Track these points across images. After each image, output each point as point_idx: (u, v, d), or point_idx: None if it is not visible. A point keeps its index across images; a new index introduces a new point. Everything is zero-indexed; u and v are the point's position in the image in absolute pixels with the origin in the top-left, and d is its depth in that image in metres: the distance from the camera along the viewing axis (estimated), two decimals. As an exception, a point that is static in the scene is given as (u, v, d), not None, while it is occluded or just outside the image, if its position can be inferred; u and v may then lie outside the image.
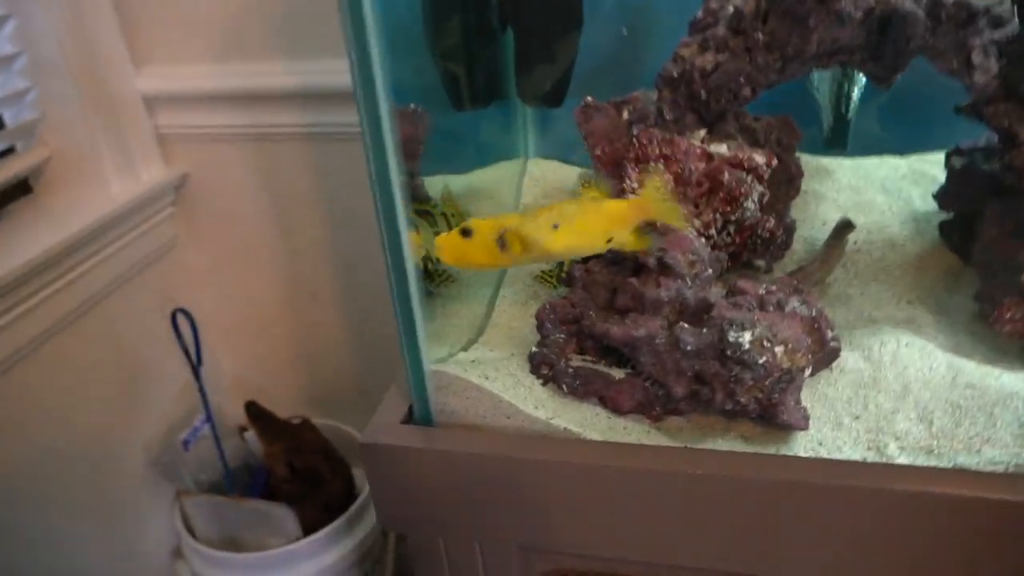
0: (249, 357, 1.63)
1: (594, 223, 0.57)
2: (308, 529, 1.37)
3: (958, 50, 0.61)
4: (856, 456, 0.57)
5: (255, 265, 1.51)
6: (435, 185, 0.81)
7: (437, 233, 0.80)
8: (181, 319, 1.27)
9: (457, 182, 0.83)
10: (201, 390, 1.32)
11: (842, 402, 0.60)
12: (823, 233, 0.78)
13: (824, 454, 0.58)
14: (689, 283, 0.58)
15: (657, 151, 0.65)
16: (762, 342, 0.54)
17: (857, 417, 0.59)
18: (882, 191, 0.79)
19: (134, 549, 1.39)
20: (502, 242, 0.56)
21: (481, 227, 0.56)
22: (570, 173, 0.91)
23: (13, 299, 1.09)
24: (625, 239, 0.58)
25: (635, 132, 0.66)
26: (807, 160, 0.83)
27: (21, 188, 1.29)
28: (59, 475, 1.22)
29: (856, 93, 0.75)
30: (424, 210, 0.78)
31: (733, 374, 0.54)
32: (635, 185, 0.64)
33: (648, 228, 0.59)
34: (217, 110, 1.35)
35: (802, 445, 0.58)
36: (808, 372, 0.56)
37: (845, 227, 0.74)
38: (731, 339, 0.54)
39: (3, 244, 1.14)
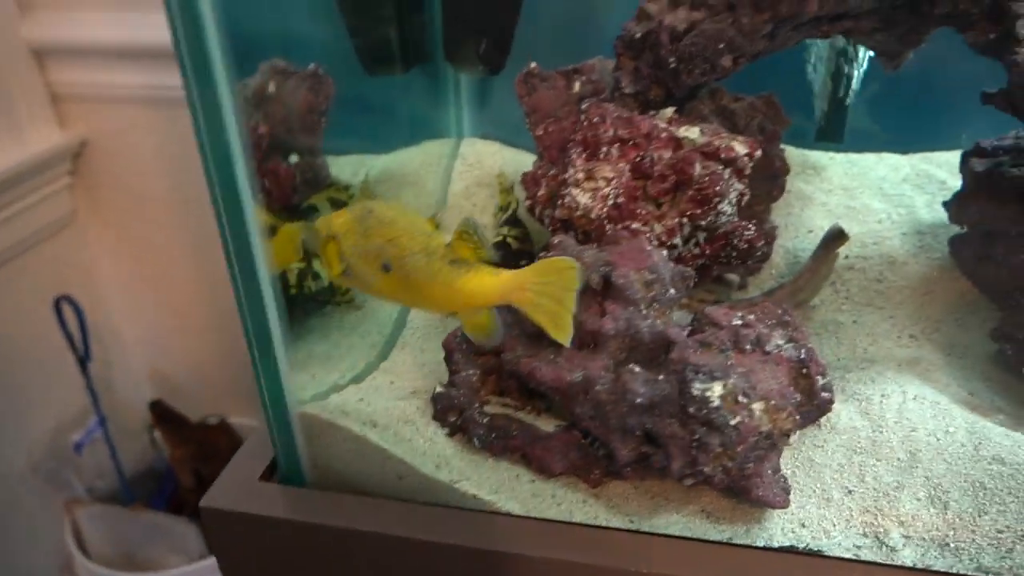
0: (163, 348, 1.46)
1: (439, 293, 0.41)
2: (214, 546, 1.22)
3: (998, 18, 0.47)
4: (847, 544, 0.44)
5: (168, 244, 1.34)
6: (342, 167, 0.65)
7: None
8: (66, 308, 1.10)
9: (371, 163, 0.68)
10: (89, 387, 1.16)
11: (832, 470, 0.47)
12: (810, 243, 0.65)
13: (807, 539, 0.44)
14: (644, 310, 0.44)
15: (611, 133, 0.50)
16: (736, 397, 0.40)
17: (850, 492, 0.46)
18: (880, 195, 0.66)
19: (16, 567, 1.22)
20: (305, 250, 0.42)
21: (322, 223, 0.43)
22: (511, 157, 0.76)
23: None
24: (471, 319, 0.42)
25: (583, 107, 0.52)
26: (792, 153, 0.69)
27: None
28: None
29: (857, 74, 0.62)
30: (340, 199, 0.63)
31: (696, 437, 0.40)
32: (580, 176, 0.49)
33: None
34: (122, 67, 1.17)
35: (779, 526, 0.45)
36: (794, 436, 0.43)
37: (836, 238, 0.60)
38: (695, 392, 0.40)
39: None
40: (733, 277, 0.63)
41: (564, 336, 0.38)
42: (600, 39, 0.70)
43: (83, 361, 1.13)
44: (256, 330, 0.41)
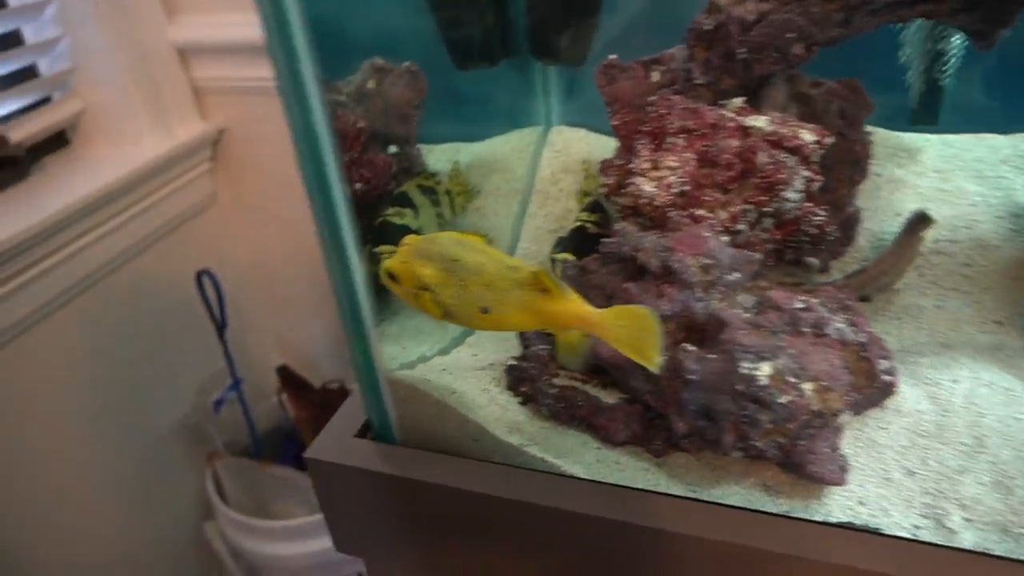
0: (290, 317, 1.58)
1: (534, 320, 0.44)
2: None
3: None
4: (906, 524, 0.45)
5: (296, 222, 1.45)
6: (437, 155, 0.71)
7: (440, 215, 0.70)
8: (206, 281, 1.22)
9: (464, 152, 0.73)
10: (226, 352, 1.28)
11: (894, 451, 0.48)
12: (897, 227, 0.64)
13: (865, 517, 0.46)
14: (699, 293, 0.46)
15: (676, 123, 0.53)
16: (785, 377, 0.42)
17: (912, 473, 0.46)
18: (975, 177, 0.64)
19: (165, 509, 1.39)
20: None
21: (404, 276, 0.46)
22: (597, 143, 0.79)
23: (42, 251, 1.07)
24: (565, 339, 0.45)
25: (651, 99, 0.54)
26: (884, 136, 0.68)
27: (57, 140, 1.26)
28: (86, 435, 1.21)
29: (955, 54, 0.60)
30: (427, 186, 0.69)
31: (746, 414, 0.43)
32: (645, 166, 0.52)
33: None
34: (254, 62, 1.28)
35: (838, 503, 0.46)
36: (843, 416, 0.44)
37: (921, 221, 0.60)
38: (743, 371, 0.42)
39: (37, 196, 1.12)
40: (813, 261, 0.63)
41: (652, 365, 0.41)
42: (678, 30, 0.72)
43: (220, 328, 1.26)
44: (348, 306, 0.47)
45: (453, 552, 0.51)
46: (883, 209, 0.66)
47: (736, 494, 0.48)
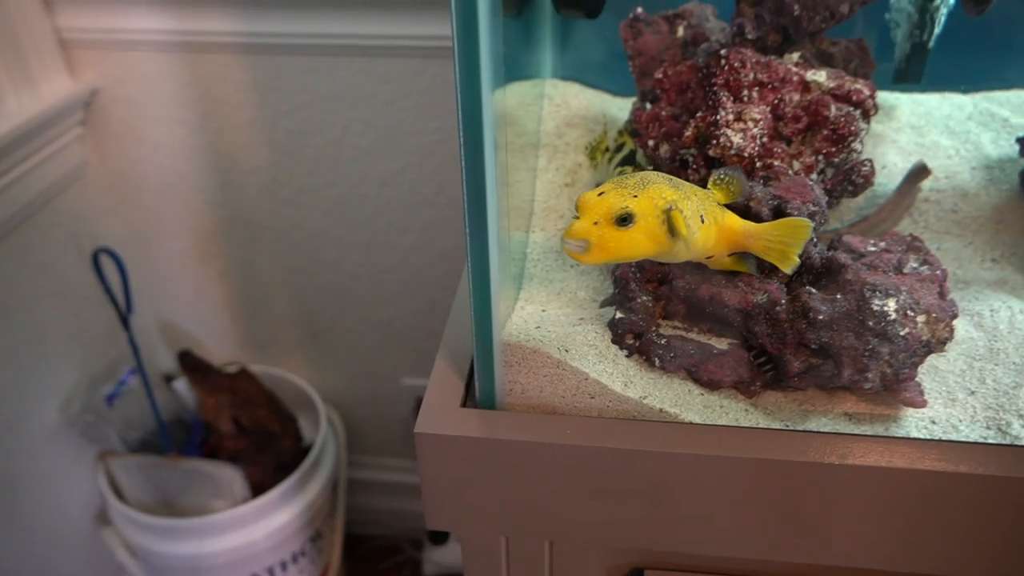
0: (175, 298, 1.45)
1: (716, 239, 0.48)
2: (256, 489, 1.25)
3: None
4: (975, 436, 0.51)
5: (182, 196, 1.32)
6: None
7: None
8: (106, 260, 1.08)
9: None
10: (131, 340, 1.15)
11: (955, 375, 0.53)
12: (883, 178, 0.70)
13: (939, 433, 0.51)
14: (813, 239, 0.49)
15: (752, 76, 0.54)
16: (906, 311, 0.46)
17: (973, 392, 0.52)
18: (947, 133, 0.72)
19: (51, 521, 1.23)
20: (670, 226, 0.44)
21: (644, 210, 0.43)
22: (593, 97, 0.79)
23: None
24: (723, 260, 0.50)
25: (722, 52, 0.55)
26: (866, 94, 0.74)
27: None
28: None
29: (941, 18, 0.67)
30: None
31: (869, 348, 0.46)
32: (730, 117, 0.53)
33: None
34: (132, 11, 1.13)
35: (914, 424, 0.52)
36: (949, 344, 0.49)
37: (920, 172, 0.66)
38: (875, 308, 0.45)
39: None
40: (823, 210, 0.68)
41: (788, 267, 0.47)
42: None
43: (125, 315, 1.12)
44: (478, 275, 0.44)
45: (569, 513, 0.51)
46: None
47: (826, 424, 0.52)
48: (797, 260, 0.46)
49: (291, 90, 1.18)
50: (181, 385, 1.39)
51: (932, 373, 0.54)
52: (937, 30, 0.68)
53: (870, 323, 0.46)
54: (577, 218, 0.44)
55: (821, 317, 0.46)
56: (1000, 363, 0.53)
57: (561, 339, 0.51)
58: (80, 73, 1.19)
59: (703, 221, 0.45)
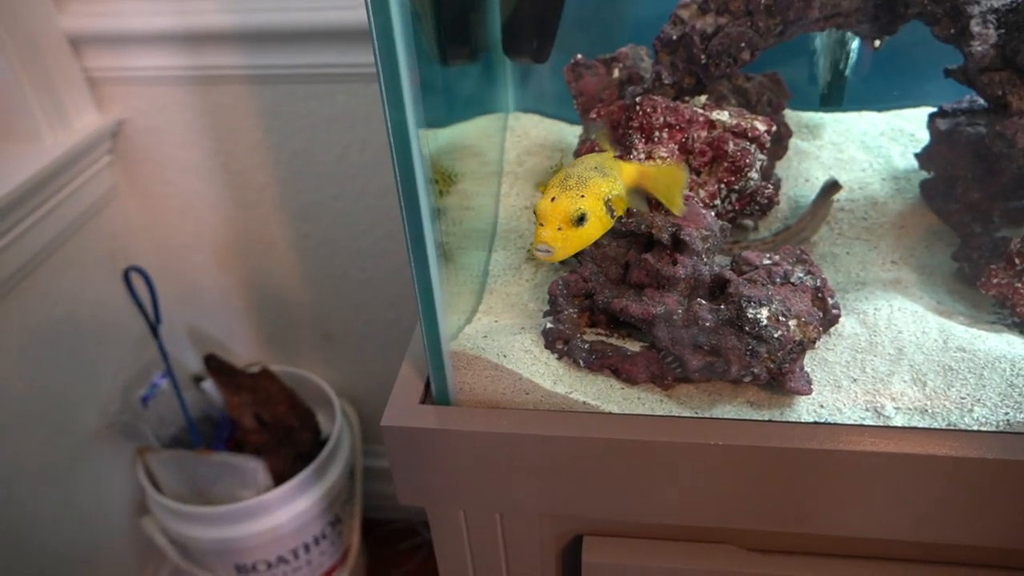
0: (200, 306, 1.58)
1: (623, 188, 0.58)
2: (279, 478, 1.37)
3: (956, 17, 0.62)
4: (855, 418, 0.61)
5: (201, 213, 1.45)
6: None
7: None
8: (136, 277, 1.21)
9: (440, 136, 0.81)
10: (161, 348, 1.28)
11: (841, 365, 0.63)
12: (807, 190, 0.80)
13: (826, 416, 0.61)
14: (704, 259, 0.59)
15: (661, 120, 0.64)
16: (777, 317, 0.56)
17: (855, 380, 0.62)
18: (863, 148, 0.81)
19: (98, 509, 1.37)
20: (610, 209, 0.56)
21: (592, 207, 0.55)
22: (552, 127, 0.90)
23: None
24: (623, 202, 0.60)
25: (637, 99, 0.65)
26: (792, 116, 0.84)
27: (-61, 139, 1.18)
28: (16, 441, 1.17)
29: (854, 50, 0.76)
30: None
31: (749, 348, 0.56)
32: (642, 156, 0.64)
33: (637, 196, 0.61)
34: (150, 50, 1.26)
35: (805, 408, 0.61)
36: (818, 343, 0.59)
37: (832, 187, 0.76)
38: (750, 316, 0.55)
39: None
40: (748, 222, 0.78)
41: (677, 209, 0.59)
42: (620, 29, 0.84)
43: (154, 325, 1.25)
44: (422, 285, 0.55)
45: (513, 490, 0.61)
46: (795, 177, 0.81)
47: (730, 411, 0.62)
48: (683, 205, 0.58)
49: (295, 114, 1.30)
50: (209, 385, 1.52)
51: (822, 364, 0.64)
52: (852, 59, 0.77)
53: (747, 328, 0.56)
54: (542, 225, 0.55)
55: (708, 324, 0.56)
56: (878, 354, 0.63)
57: (501, 346, 0.62)
58: (107, 107, 1.32)
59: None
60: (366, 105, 1.27)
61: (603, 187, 0.56)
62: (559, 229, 0.55)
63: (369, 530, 1.72)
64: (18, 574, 1.19)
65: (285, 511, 1.38)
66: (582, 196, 0.55)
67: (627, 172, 0.60)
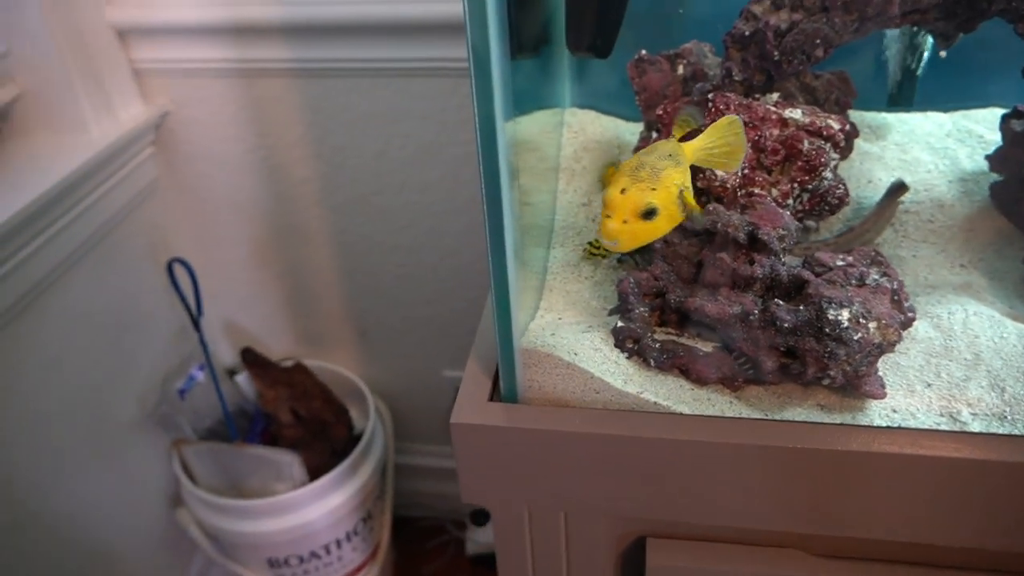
0: (236, 299, 1.58)
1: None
2: (313, 473, 1.37)
3: (1041, 16, 0.61)
4: (929, 423, 0.59)
5: (241, 206, 1.45)
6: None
7: None
8: (179, 269, 1.21)
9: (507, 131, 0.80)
10: (202, 340, 1.28)
11: (914, 370, 0.62)
12: (870, 192, 0.79)
13: (899, 421, 0.60)
14: (782, 259, 0.58)
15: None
16: (858, 319, 0.55)
17: (929, 385, 0.61)
18: (928, 149, 0.80)
19: (134, 499, 1.37)
20: (684, 206, 0.54)
21: (663, 201, 0.53)
22: (608, 124, 0.89)
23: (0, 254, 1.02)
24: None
25: (709, 95, 0.64)
26: (854, 116, 0.82)
27: (-12, 128, 1.19)
28: (56, 431, 1.18)
29: (927, 49, 0.74)
30: None
31: (828, 350, 0.55)
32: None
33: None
34: (196, 43, 1.26)
35: (877, 412, 0.60)
36: (899, 345, 0.58)
37: (899, 188, 0.74)
38: (830, 317, 0.54)
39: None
40: (811, 223, 0.77)
41: (736, 164, 0.57)
42: (679, 26, 0.83)
43: (195, 317, 1.25)
44: (498, 283, 0.54)
45: (579, 489, 0.61)
46: (857, 177, 0.80)
47: (800, 414, 0.61)
48: (742, 156, 0.56)
49: (337, 109, 1.29)
50: (243, 379, 1.52)
51: (895, 368, 0.62)
52: (926, 58, 0.75)
53: (827, 330, 0.55)
54: (608, 216, 0.54)
55: (786, 325, 0.55)
56: (953, 359, 0.61)
57: (571, 344, 0.61)
58: (151, 98, 1.32)
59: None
60: (408, 100, 1.26)
61: (676, 178, 0.55)
62: (625, 222, 0.53)
63: (398, 527, 1.72)
64: (55, 562, 1.20)
65: (318, 506, 1.38)
66: (653, 189, 0.53)
67: (687, 152, 0.58)
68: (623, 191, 0.54)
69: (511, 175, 0.52)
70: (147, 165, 1.33)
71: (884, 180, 0.78)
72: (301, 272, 1.52)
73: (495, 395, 0.62)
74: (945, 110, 0.82)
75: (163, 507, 1.45)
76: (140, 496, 1.39)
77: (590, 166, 0.84)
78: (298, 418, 1.39)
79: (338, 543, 1.45)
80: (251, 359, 1.43)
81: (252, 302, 1.58)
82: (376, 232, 1.43)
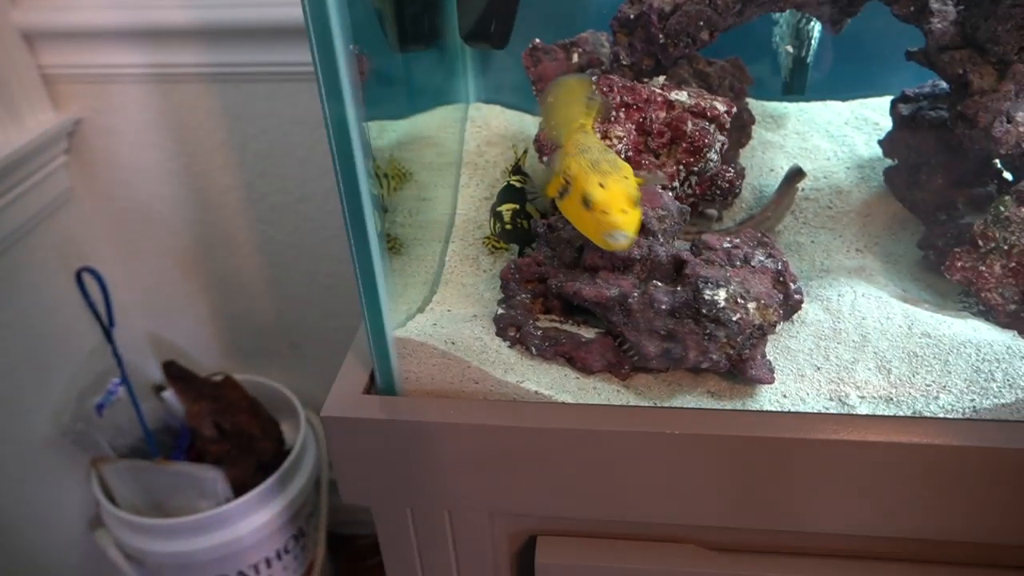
0: (162, 312, 1.53)
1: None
2: (240, 489, 1.33)
3: (916, -4, 0.60)
4: (819, 407, 0.58)
5: (163, 216, 1.41)
6: (373, 132, 0.76)
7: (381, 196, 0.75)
8: (88, 278, 1.17)
9: (398, 128, 0.78)
10: (115, 352, 1.24)
11: (804, 354, 0.61)
12: (771, 180, 0.78)
13: (789, 406, 0.58)
14: (660, 240, 0.56)
15: (618, 99, 0.62)
16: (736, 299, 0.54)
17: (819, 368, 0.60)
18: (827, 137, 0.80)
19: (48, 523, 1.31)
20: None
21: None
22: (512, 118, 0.87)
23: None
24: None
25: (594, 79, 0.63)
26: (755, 105, 0.82)
27: None
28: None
29: (815, 37, 0.74)
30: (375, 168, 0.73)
31: (707, 332, 0.54)
32: (598, 134, 0.61)
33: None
34: (110, 48, 1.22)
35: (767, 398, 0.59)
36: (778, 327, 0.56)
37: (796, 175, 0.74)
38: (707, 297, 0.53)
39: None
40: (712, 211, 0.76)
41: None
42: (582, 14, 0.82)
43: (108, 328, 1.21)
44: (363, 272, 0.52)
45: (461, 485, 0.58)
46: (759, 166, 0.79)
47: (690, 402, 0.59)
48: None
49: (259, 114, 1.27)
50: (170, 395, 1.47)
51: (786, 352, 0.61)
52: (813, 47, 0.75)
53: (704, 310, 0.53)
54: (605, 213, 0.50)
55: (664, 307, 0.54)
56: (842, 342, 0.61)
57: (450, 334, 0.59)
58: (63, 105, 1.28)
59: (602, 187, 0.52)
60: (330, 104, 1.24)
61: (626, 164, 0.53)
62: (624, 212, 0.50)
63: (337, 546, 1.67)
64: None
65: (245, 523, 1.33)
66: (626, 178, 0.51)
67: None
68: (602, 186, 0.51)
69: (369, 174, 0.50)
70: (59, 174, 1.29)
71: (785, 168, 0.78)
72: (228, 283, 1.47)
73: (373, 389, 0.59)
74: (842, 99, 0.82)
75: (81, 529, 1.38)
76: (56, 518, 1.33)
77: (493, 160, 0.82)
78: (222, 432, 1.35)
79: (268, 562, 1.40)
80: (174, 373, 1.38)
81: (179, 315, 1.53)
82: (303, 241, 1.39)
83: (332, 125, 0.47)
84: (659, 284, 0.55)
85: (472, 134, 0.85)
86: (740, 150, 0.77)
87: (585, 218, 0.51)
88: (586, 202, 0.50)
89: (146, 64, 1.23)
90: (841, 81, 0.81)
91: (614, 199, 0.50)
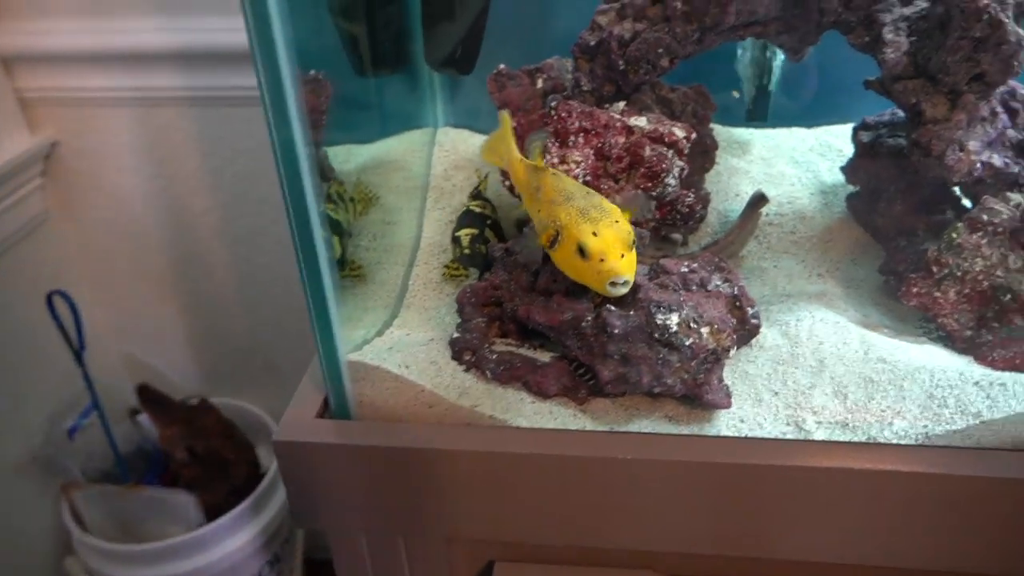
0: (138, 335, 1.52)
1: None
2: (213, 514, 1.31)
3: (870, 25, 0.61)
4: (776, 432, 0.58)
5: (140, 239, 1.40)
6: (338, 156, 0.76)
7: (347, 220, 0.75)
8: (59, 301, 1.16)
9: (364, 152, 0.78)
10: (85, 375, 1.22)
11: (762, 379, 0.61)
12: (737, 205, 0.78)
13: (746, 431, 0.58)
14: (615, 265, 0.56)
15: (576, 124, 0.62)
16: (688, 324, 0.53)
17: (776, 393, 0.59)
18: (792, 163, 0.80)
19: (16, 550, 1.29)
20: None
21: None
22: (480, 142, 0.88)
23: None
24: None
25: (553, 103, 0.64)
26: (720, 131, 0.83)
27: None
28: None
29: (778, 65, 0.75)
30: (339, 192, 0.74)
31: (660, 357, 0.54)
32: (555, 161, 0.61)
33: None
34: (87, 71, 1.23)
35: (725, 423, 0.59)
36: (732, 351, 0.56)
37: (759, 200, 0.74)
38: (659, 322, 0.53)
39: None
40: (677, 236, 0.76)
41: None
42: (550, 41, 0.83)
43: (78, 352, 1.20)
44: (314, 295, 0.52)
45: (415, 510, 0.58)
46: (725, 191, 0.80)
47: (647, 426, 0.59)
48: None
49: (236, 137, 1.27)
50: (145, 419, 1.45)
51: (744, 377, 0.61)
52: (775, 75, 0.76)
53: (656, 335, 0.53)
54: (603, 260, 0.51)
55: (617, 331, 0.54)
56: (799, 366, 0.60)
57: (405, 357, 0.58)
58: (39, 128, 1.28)
59: (595, 236, 0.52)
60: (307, 128, 1.24)
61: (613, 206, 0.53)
62: (623, 256, 0.51)
63: (315, 572, 1.65)
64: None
65: (218, 549, 1.31)
66: (616, 222, 0.52)
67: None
68: (595, 234, 0.51)
69: (319, 197, 0.50)
70: (34, 197, 1.29)
71: (750, 193, 0.78)
72: (205, 305, 1.47)
73: (327, 413, 0.59)
74: (807, 126, 0.83)
75: (51, 556, 1.36)
76: (25, 545, 1.31)
77: (460, 184, 0.83)
78: (195, 456, 1.33)
79: (241, 588, 1.38)
80: (148, 396, 1.37)
81: (156, 338, 1.52)
82: (279, 263, 1.39)
83: (279, 149, 0.47)
84: (612, 308, 0.55)
85: (440, 158, 0.85)
86: (705, 175, 0.77)
87: (581, 267, 0.51)
88: (582, 252, 0.51)
89: (123, 87, 1.23)
90: (805, 108, 0.82)
91: (610, 247, 0.50)
